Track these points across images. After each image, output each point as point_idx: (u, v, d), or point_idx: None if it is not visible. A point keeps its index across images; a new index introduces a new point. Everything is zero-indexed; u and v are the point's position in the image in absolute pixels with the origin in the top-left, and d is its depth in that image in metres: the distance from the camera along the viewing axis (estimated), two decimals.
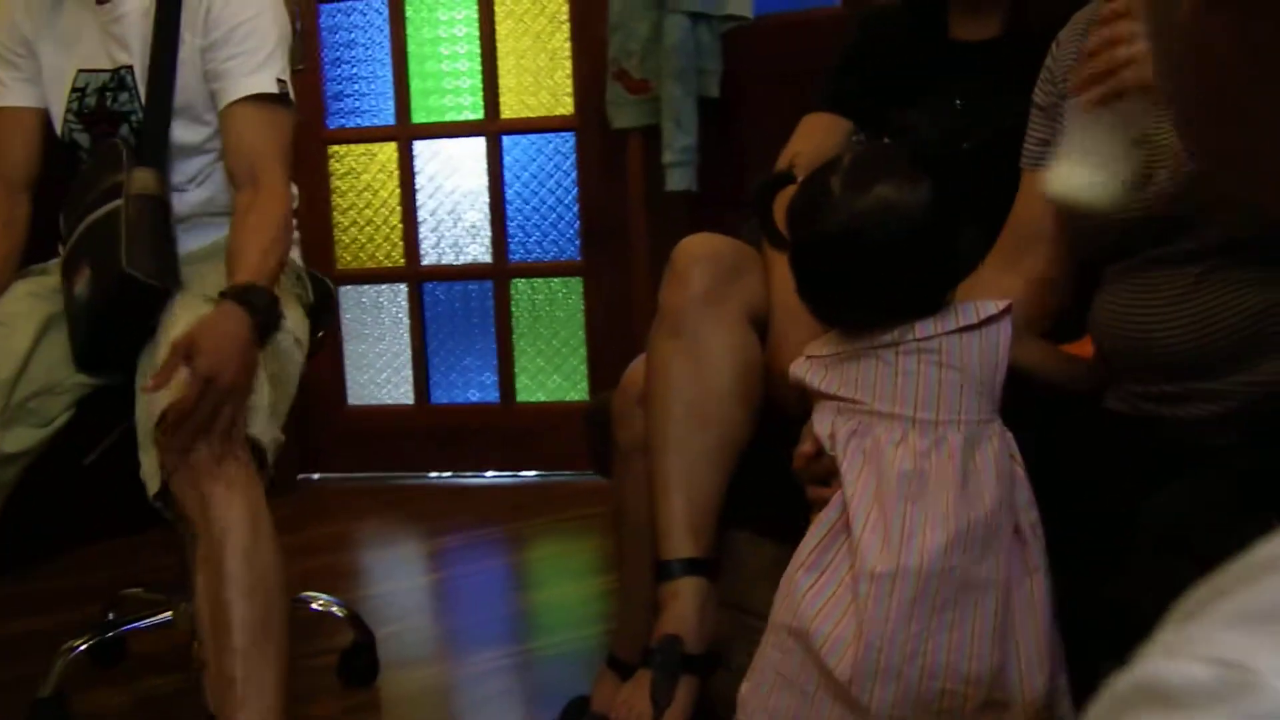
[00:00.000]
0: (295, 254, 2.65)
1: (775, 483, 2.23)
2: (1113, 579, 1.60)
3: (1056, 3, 2.33)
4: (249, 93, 2.46)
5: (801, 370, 1.78)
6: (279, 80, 2.48)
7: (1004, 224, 1.96)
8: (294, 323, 2.45)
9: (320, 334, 2.72)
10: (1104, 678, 0.43)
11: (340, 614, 2.90)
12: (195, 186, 2.54)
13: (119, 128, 2.48)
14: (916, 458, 1.60)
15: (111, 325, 2.32)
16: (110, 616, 2.87)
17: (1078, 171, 1.58)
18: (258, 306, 2.22)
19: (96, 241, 2.37)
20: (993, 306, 1.67)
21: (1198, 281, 1.63)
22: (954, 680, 1.57)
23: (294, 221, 2.53)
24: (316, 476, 4.26)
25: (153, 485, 2.16)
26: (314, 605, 2.92)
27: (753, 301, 2.21)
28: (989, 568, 1.58)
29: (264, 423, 2.22)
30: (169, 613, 2.67)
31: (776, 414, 2.21)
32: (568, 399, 4.20)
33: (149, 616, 2.75)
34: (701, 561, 2.08)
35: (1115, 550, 1.58)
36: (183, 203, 2.52)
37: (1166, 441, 1.69)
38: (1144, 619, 1.38)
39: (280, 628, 2.16)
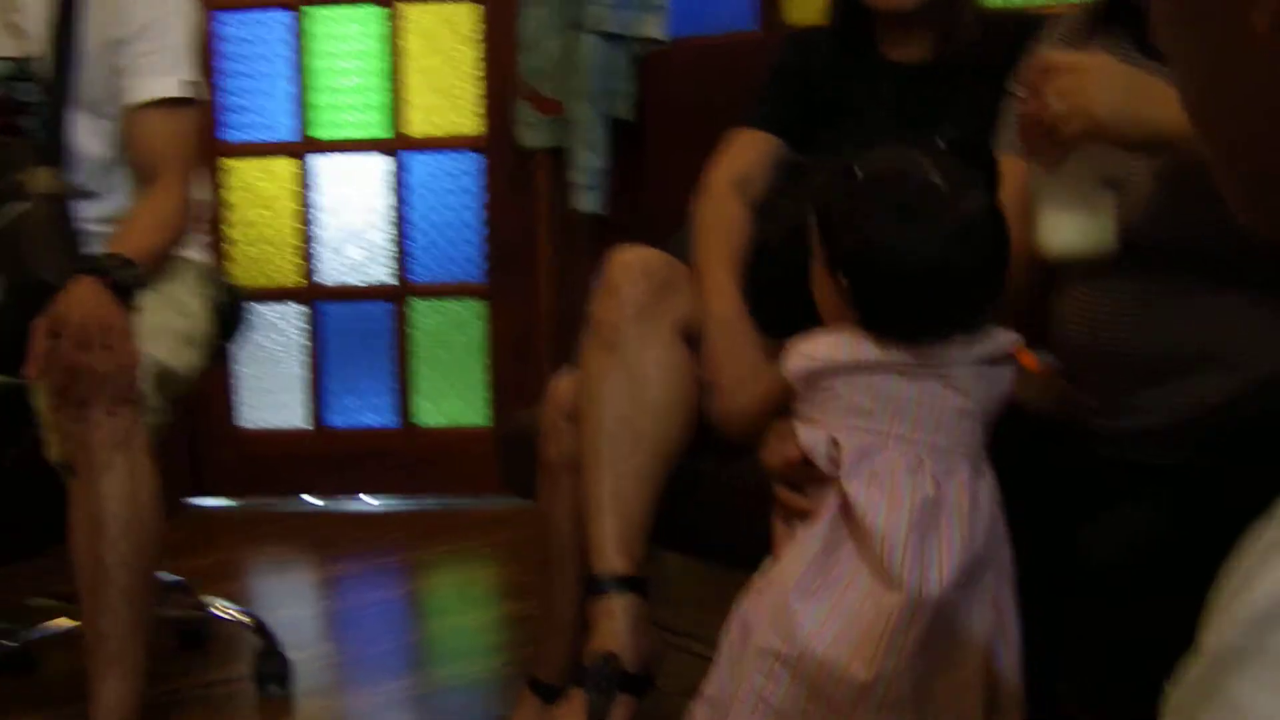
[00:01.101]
0: (202, 254, 2.67)
1: (705, 502, 2.19)
2: (1052, 614, 1.59)
3: (985, 27, 2.34)
4: (157, 96, 2.46)
5: (804, 368, 1.64)
6: (189, 83, 2.49)
7: None
8: (195, 309, 2.53)
9: (227, 342, 2.75)
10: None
11: (246, 620, 2.87)
12: (109, 194, 2.53)
13: (21, 119, 2.39)
14: (936, 485, 1.54)
15: (25, 329, 2.27)
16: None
17: (1064, 227, 1.60)
18: (109, 268, 2.27)
19: (4, 246, 2.37)
20: (1006, 341, 1.61)
21: (1151, 288, 1.61)
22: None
23: (198, 222, 2.62)
24: (206, 502, 4.11)
25: (54, 452, 2.24)
26: (214, 610, 2.90)
27: (685, 315, 2.18)
28: (980, 606, 1.55)
29: (152, 375, 2.31)
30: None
31: (709, 429, 2.17)
32: (468, 424, 4.11)
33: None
34: (635, 578, 2.04)
35: (1053, 580, 1.56)
36: (97, 208, 2.51)
37: (1104, 460, 1.69)
38: (1082, 654, 1.35)
39: (149, 591, 2.32)
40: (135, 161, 2.50)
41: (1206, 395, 1.60)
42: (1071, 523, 1.62)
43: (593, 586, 2.04)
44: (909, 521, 1.51)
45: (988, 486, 1.58)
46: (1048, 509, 1.66)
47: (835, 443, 1.58)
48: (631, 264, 2.17)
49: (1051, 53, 1.57)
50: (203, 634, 2.95)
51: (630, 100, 3.70)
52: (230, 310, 2.71)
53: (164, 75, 2.46)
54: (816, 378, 1.61)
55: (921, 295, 1.54)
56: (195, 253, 2.63)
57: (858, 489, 1.54)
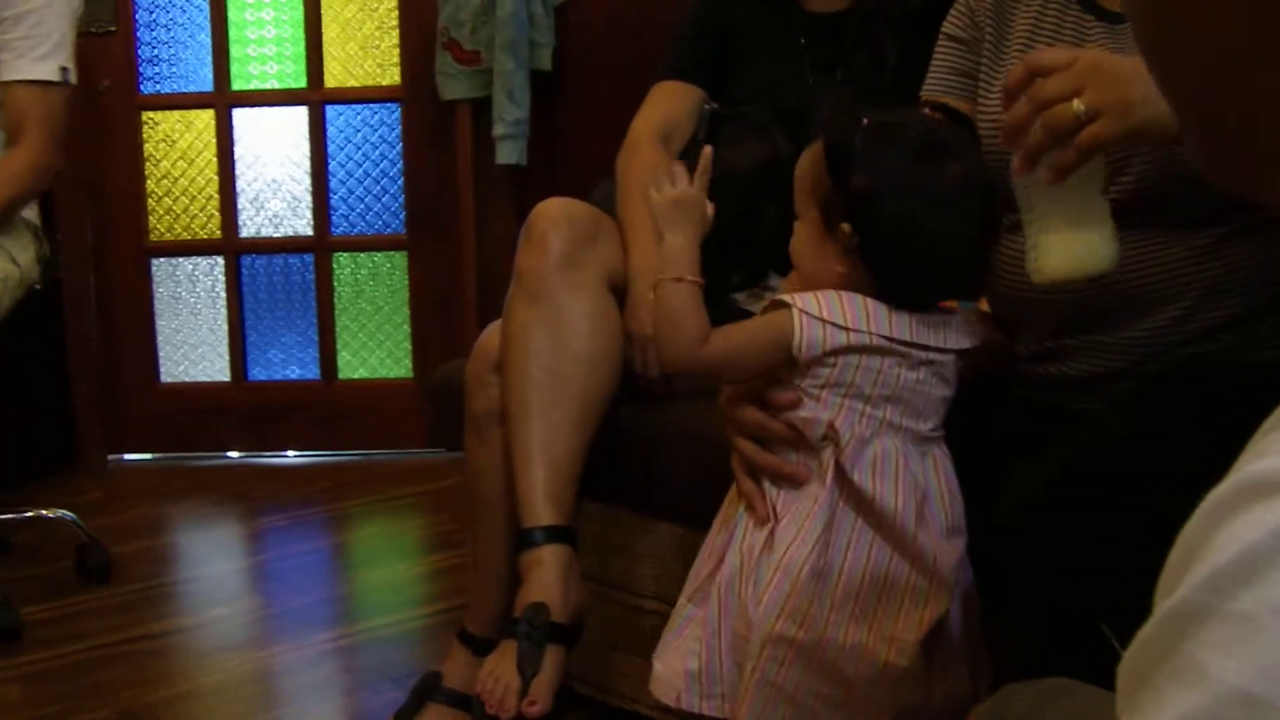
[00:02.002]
0: (34, 214, 2.94)
1: (627, 451, 2.20)
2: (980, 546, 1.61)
3: None
4: (33, 78, 2.74)
5: (835, 342, 1.55)
6: (63, 69, 2.78)
7: None
8: (18, 251, 2.81)
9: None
10: None
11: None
12: None
13: None
14: (923, 473, 1.56)
15: None
16: None
17: (1072, 247, 1.45)
18: None
19: None
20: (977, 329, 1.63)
21: None
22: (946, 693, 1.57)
23: (43, 185, 2.88)
24: (128, 457, 4.07)
25: None
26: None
27: (610, 266, 2.19)
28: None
29: None
30: None
31: (635, 380, 2.18)
32: (391, 376, 4.10)
33: None
34: (564, 529, 2.05)
35: (984, 518, 1.58)
36: None
37: (1043, 407, 1.70)
38: (1008, 590, 1.36)
39: None
40: (4, 125, 2.77)
41: (1153, 335, 1.62)
42: (1005, 460, 1.63)
43: (522, 538, 2.05)
44: (913, 510, 1.54)
45: (951, 467, 1.60)
46: (983, 459, 1.68)
47: (832, 425, 1.56)
48: (556, 215, 2.17)
49: (1046, 52, 1.43)
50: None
51: (549, 51, 3.69)
52: (50, 264, 2.96)
53: (43, 60, 2.73)
54: (832, 352, 1.55)
55: (934, 244, 1.51)
56: (30, 212, 2.90)
57: (861, 477, 1.54)
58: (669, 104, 2.44)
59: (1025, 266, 1.48)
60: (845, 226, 1.52)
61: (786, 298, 1.56)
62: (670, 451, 2.17)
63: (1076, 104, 1.36)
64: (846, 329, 1.53)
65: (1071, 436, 1.55)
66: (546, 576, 1.99)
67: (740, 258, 2.34)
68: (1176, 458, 1.19)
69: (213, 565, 3.33)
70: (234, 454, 4.08)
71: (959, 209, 1.50)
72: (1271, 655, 0.38)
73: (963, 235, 1.51)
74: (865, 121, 1.53)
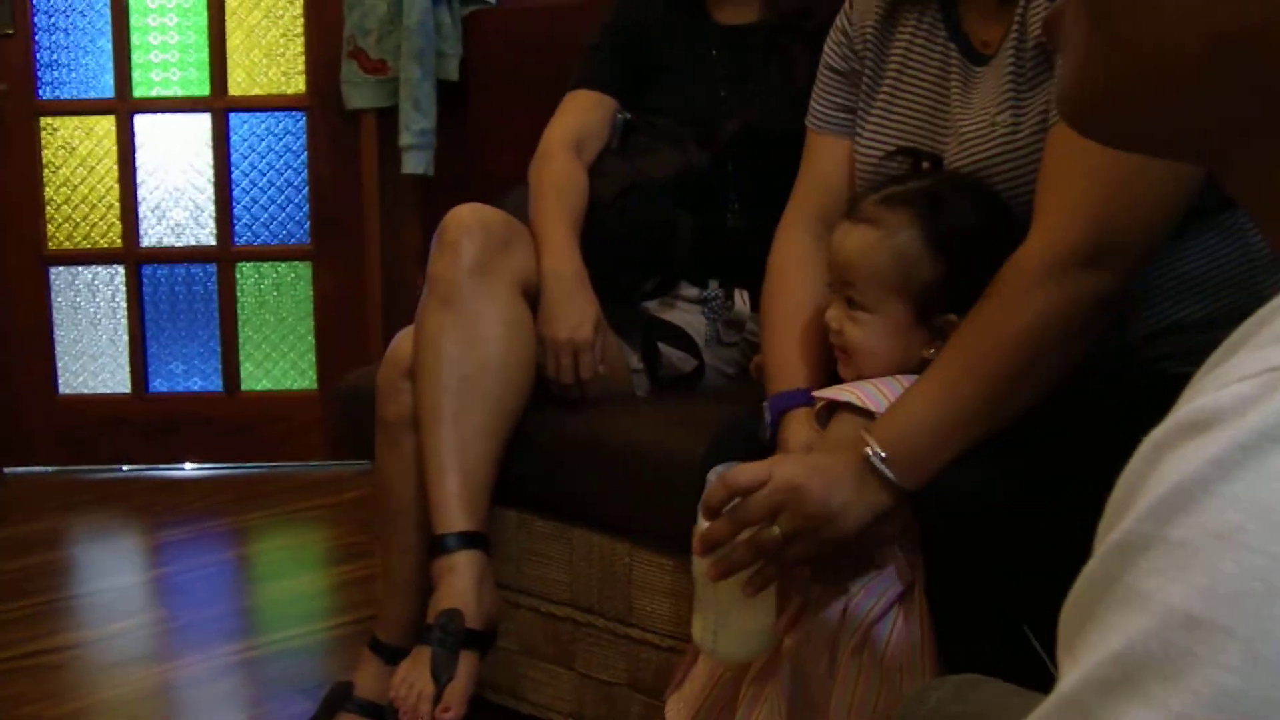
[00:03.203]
0: None
1: (540, 457, 2.20)
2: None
3: None
4: None
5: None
6: None
7: (785, 197, 1.93)
8: None
9: None
10: None
11: None
12: None
13: None
14: None
15: None
16: None
17: (750, 641, 1.55)
18: None
19: None
20: None
21: None
22: None
23: None
24: (23, 470, 3.99)
25: None
26: None
27: (523, 272, 2.19)
28: None
29: None
30: None
31: (548, 386, 2.19)
32: (295, 387, 4.06)
33: None
34: (477, 535, 2.05)
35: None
36: None
37: None
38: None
39: None
40: None
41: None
42: None
43: (435, 544, 2.04)
44: None
45: None
46: None
47: None
48: (469, 221, 2.17)
49: (744, 471, 1.45)
50: None
51: (456, 61, 3.69)
52: None
53: None
54: None
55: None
56: None
57: None
58: (582, 113, 2.44)
59: (699, 640, 1.57)
60: (953, 317, 1.53)
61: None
62: (583, 458, 2.17)
63: (776, 530, 1.42)
64: None
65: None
66: (460, 583, 1.99)
67: (653, 266, 2.35)
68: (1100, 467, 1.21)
69: (115, 578, 3.28)
70: (135, 466, 4.02)
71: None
72: (1211, 577, 0.39)
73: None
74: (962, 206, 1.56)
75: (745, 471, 1.45)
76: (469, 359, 2.10)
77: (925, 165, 1.63)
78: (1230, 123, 0.55)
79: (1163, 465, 0.42)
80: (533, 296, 2.20)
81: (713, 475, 1.50)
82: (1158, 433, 0.44)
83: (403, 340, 2.22)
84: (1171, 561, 0.40)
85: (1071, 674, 0.43)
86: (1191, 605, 0.39)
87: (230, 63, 3.95)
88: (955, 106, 1.67)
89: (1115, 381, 1.56)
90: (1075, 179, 1.43)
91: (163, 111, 3.99)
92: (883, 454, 1.44)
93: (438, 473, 2.06)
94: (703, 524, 1.48)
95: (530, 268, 2.20)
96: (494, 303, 2.13)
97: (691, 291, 2.38)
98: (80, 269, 4.03)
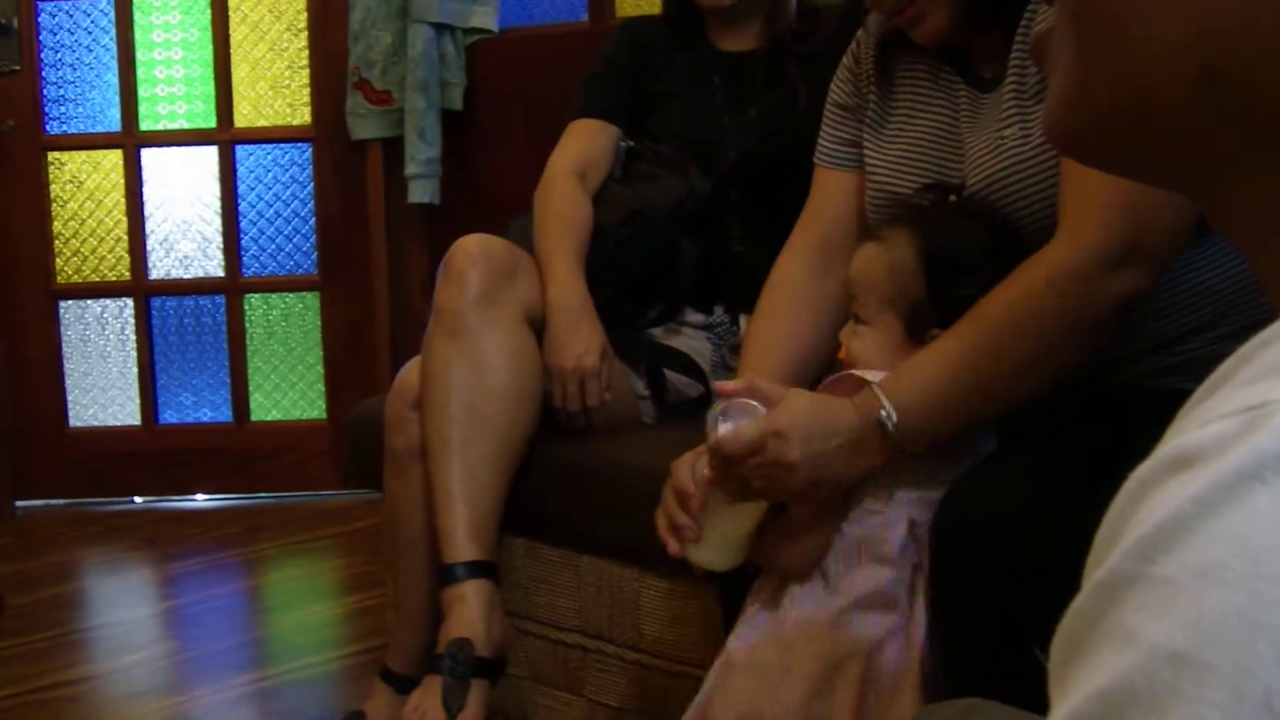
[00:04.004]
0: None
1: (549, 486, 2.21)
2: None
3: (812, 16, 2.40)
4: None
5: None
6: None
7: (788, 222, 1.95)
8: None
9: None
10: None
11: None
12: None
13: None
14: None
15: None
16: None
17: (729, 552, 1.63)
18: None
19: None
20: None
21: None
22: None
23: None
24: (37, 504, 4.00)
25: None
26: None
27: (529, 302, 2.20)
28: None
29: None
30: None
31: (554, 414, 2.19)
32: (304, 417, 4.07)
33: None
34: (486, 564, 2.06)
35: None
36: None
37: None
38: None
39: None
40: None
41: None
42: None
43: (444, 574, 2.05)
44: None
45: None
46: None
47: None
48: (475, 252, 2.18)
49: (728, 438, 1.52)
50: None
51: (460, 90, 3.71)
52: None
53: None
54: None
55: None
56: None
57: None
58: (585, 142, 2.46)
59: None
60: (937, 331, 1.56)
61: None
62: (590, 485, 2.17)
63: (756, 482, 1.52)
64: None
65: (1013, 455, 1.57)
66: (469, 612, 1.99)
67: (657, 293, 2.36)
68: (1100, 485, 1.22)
69: (126, 611, 3.29)
70: (145, 498, 4.03)
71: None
72: (1195, 614, 0.40)
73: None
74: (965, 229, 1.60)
75: (734, 436, 1.51)
76: (475, 389, 2.11)
77: (953, 198, 1.64)
78: (1215, 157, 0.55)
79: (1147, 502, 0.43)
80: (538, 325, 2.21)
81: (713, 420, 1.55)
82: (1142, 469, 0.44)
83: (410, 371, 2.23)
84: (1156, 598, 0.41)
85: (1061, 709, 0.44)
86: (1176, 642, 0.40)
87: (236, 96, 3.98)
88: (965, 131, 1.68)
89: (1127, 397, 1.57)
90: (1099, 181, 1.43)
91: (169, 145, 4.02)
92: (895, 417, 1.47)
93: (446, 502, 2.07)
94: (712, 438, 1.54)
95: (535, 297, 2.22)
96: (499, 332, 2.15)
97: (697, 317, 2.39)
98: (89, 302, 4.05)
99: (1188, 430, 0.43)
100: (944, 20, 1.63)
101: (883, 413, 1.48)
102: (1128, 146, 0.59)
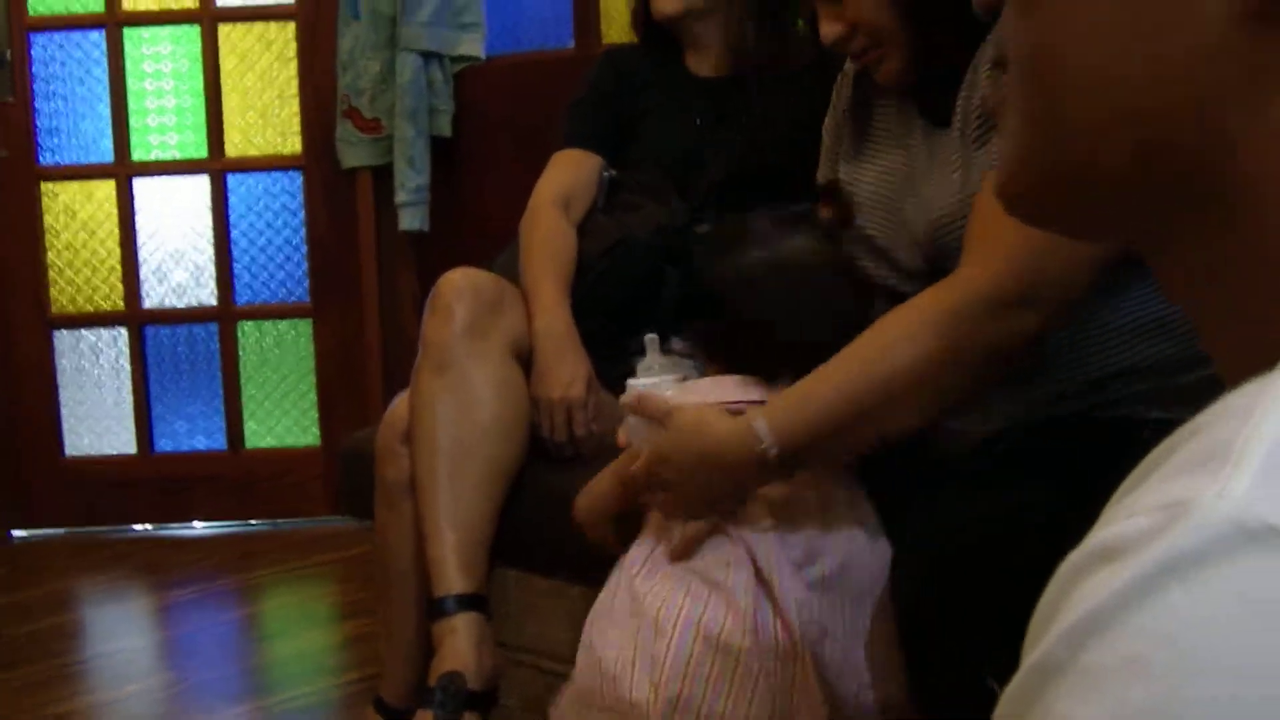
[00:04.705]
0: None
1: (538, 515, 2.23)
2: None
3: (784, 40, 2.42)
4: None
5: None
6: None
7: None
8: None
9: None
10: None
11: None
12: None
13: None
14: None
15: None
16: None
17: None
18: None
19: None
20: None
21: None
22: None
23: None
24: (31, 533, 4.02)
25: None
26: None
27: (515, 334, 2.23)
28: None
29: None
30: None
31: (543, 444, 2.21)
32: (298, 444, 4.09)
33: None
34: (476, 597, 2.07)
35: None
36: None
37: (932, 463, 1.74)
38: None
39: None
40: None
41: (1025, 403, 1.66)
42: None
43: (434, 606, 2.07)
44: None
45: None
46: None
47: None
48: (461, 285, 2.21)
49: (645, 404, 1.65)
50: None
51: (449, 117, 3.73)
52: None
53: None
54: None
55: (755, 338, 1.65)
56: None
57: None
58: (569, 172, 2.48)
59: None
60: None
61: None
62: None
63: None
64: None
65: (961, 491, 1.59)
66: (460, 644, 2.01)
67: (641, 322, 2.38)
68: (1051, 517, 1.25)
69: (123, 641, 3.31)
70: (142, 526, 4.05)
71: (765, 292, 1.64)
72: (1118, 705, 0.41)
73: (774, 311, 1.65)
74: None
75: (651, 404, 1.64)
76: (463, 421, 2.13)
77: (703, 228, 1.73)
78: (1151, 221, 0.58)
79: (1078, 590, 0.45)
80: (525, 357, 2.23)
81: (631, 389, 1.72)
82: (1075, 556, 0.46)
83: (400, 404, 2.25)
84: (1084, 686, 0.43)
85: None
86: None
87: (226, 125, 4.00)
88: (919, 167, 1.71)
89: (1083, 426, 1.59)
90: (997, 224, 1.46)
91: (161, 175, 4.04)
92: (775, 449, 1.51)
93: (435, 534, 2.09)
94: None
95: (522, 328, 2.24)
96: (486, 365, 2.17)
97: (682, 345, 2.41)
98: (84, 331, 4.07)
99: (1116, 520, 0.45)
100: (900, 62, 1.66)
101: (762, 445, 1.51)
102: (1069, 211, 0.62)
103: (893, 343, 1.50)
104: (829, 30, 1.68)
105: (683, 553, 1.63)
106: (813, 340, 1.60)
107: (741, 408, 1.60)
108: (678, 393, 1.69)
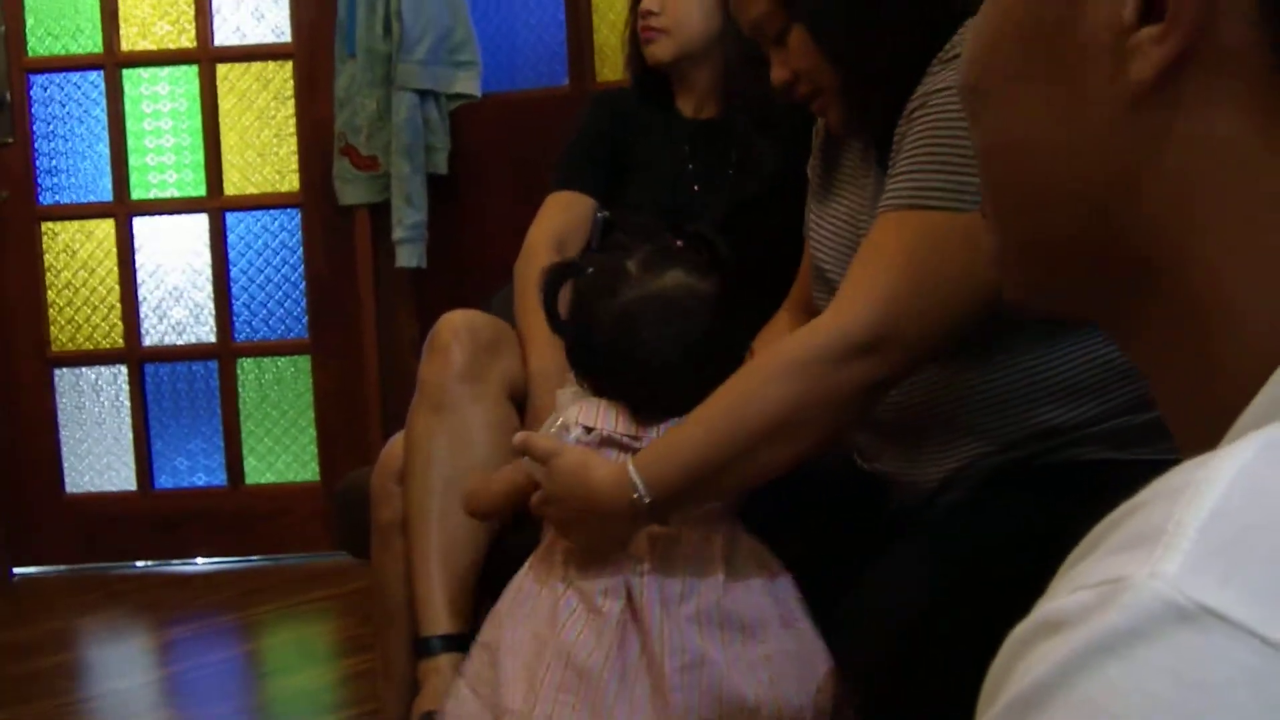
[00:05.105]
0: None
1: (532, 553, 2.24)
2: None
3: (761, 85, 2.44)
4: None
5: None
6: None
7: (760, 286, 2.00)
8: None
9: None
10: None
11: None
12: None
13: None
14: None
15: None
16: None
17: None
18: None
19: None
20: None
21: None
22: None
23: None
24: (32, 570, 4.05)
25: None
26: None
27: (511, 376, 2.24)
28: None
29: None
30: None
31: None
32: (297, 479, 4.11)
33: None
34: (461, 637, 2.08)
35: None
36: None
37: (892, 503, 1.75)
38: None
39: None
40: None
41: (963, 458, 1.66)
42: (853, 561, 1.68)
43: (420, 646, 2.08)
44: None
45: None
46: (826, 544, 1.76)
47: None
48: (459, 326, 2.23)
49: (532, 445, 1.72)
50: None
51: (445, 155, 3.77)
52: None
53: None
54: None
55: (607, 365, 1.74)
56: None
57: None
58: (563, 213, 2.50)
59: None
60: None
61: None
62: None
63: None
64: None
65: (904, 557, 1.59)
66: (443, 685, 2.02)
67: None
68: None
69: (124, 679, 3.32)
70: (142, 563, 4.07)
71: (630, 333, 1.71)
72: None
73: (635, 350, 1.71)
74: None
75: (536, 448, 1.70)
76: (456, 462, 2.14)
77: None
78: (1105, 296, 0.63)
79: (1024, 660, 0.46)
80: (520, 398, 2.25)
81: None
82: (1022, 628, 0.48)
83: (395, 444, 2.27)
84: None
85: None
86: None
87: (225, 163, 4.04)
88: (869, 209, 1.71)
89: (1033, 473, 1.59)
90: (877, 267, 1.51)
91: (160, 213, 4.08)
92: (647, 498, 1.57)
93: (424, 573, 2.10)
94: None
95: (518, 370, 2.25)
96: (482, 407, 2.18)
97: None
98: (84, 369, 4.10)
99: (1060, 593, 0.47)
100: (840, 109, 1.68)
101: (636, 493, 1.57)
102: (1040, 296, 0.68)
103: (755, 389, 1.55)
104: (775, 75, 1.71)
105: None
106: (683, 374, 1.68)
107: (627, 442, 1.68)
108: (574, 406, 1.75)
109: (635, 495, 1.56)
